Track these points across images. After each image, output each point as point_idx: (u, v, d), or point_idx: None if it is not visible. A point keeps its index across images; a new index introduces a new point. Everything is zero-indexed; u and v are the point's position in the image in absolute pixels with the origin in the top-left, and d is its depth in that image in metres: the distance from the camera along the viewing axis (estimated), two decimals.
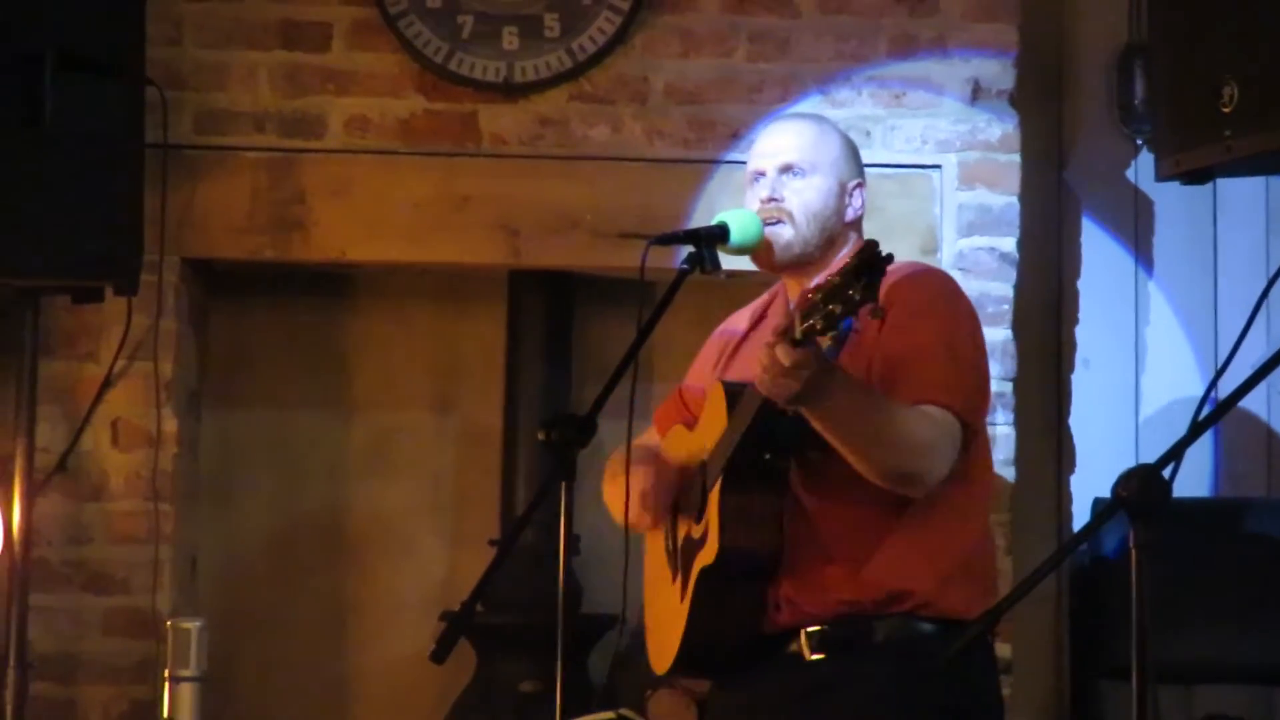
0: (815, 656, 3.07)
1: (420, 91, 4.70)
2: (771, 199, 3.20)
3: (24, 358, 4.42)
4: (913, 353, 3.05)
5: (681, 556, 3.18)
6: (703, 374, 3.40)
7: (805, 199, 3.20)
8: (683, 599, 3.12)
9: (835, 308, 2.67)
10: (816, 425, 2.94)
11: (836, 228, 3.23)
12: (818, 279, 3.15)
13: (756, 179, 3.25)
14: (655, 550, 3.31)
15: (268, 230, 4.67)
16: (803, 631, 3.07)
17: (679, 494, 3.24)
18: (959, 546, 3.12)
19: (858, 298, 2.64)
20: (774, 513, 3.04)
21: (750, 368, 3.20)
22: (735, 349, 3.34)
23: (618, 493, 3.24)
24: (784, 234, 3.19)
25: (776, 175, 3.22)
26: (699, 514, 3.12)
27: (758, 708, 3.13)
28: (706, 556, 3.05)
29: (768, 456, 3.03)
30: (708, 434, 3.14)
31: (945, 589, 3.07)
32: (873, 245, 2.66)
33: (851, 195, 3.26)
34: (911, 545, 3.07)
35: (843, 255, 3.23)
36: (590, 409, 3.01)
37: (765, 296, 3.39)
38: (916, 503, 3.05)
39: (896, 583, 3.06)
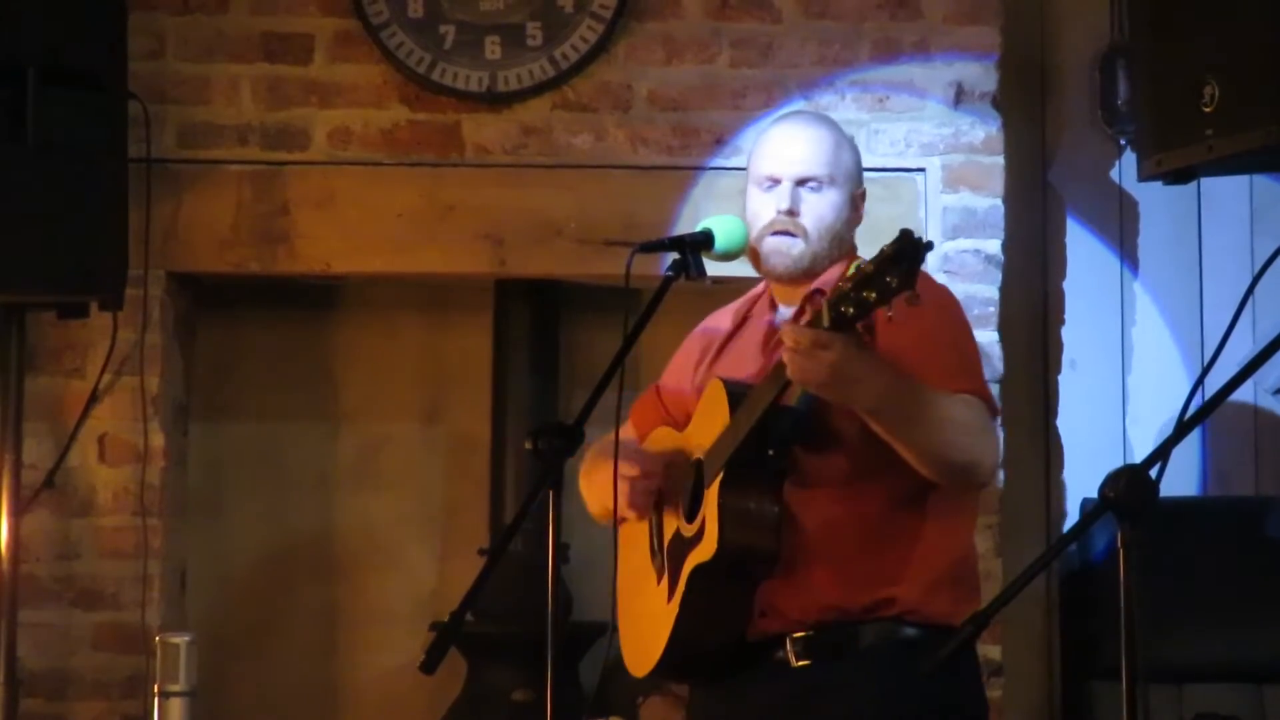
0: (801, 663, 3.04)
1: (403, 102, 4.70)
2: (789, 211, 3.15)
3: (9, 374, 4.42)
4: (927, 342, 2.98)
5: (669, 555, 3.15)
6: (683, 373, 3.36)
7: (820, 213, 3.15)
8: (670, 599, 3.10)
9: (870, 294, 2.63)
10: (870, 421, 2.89)
11: (848, 238, 3.21)
12: (824, 276, 3.14)
13: (770, 185, 3.17)
14: (634, 550, 3.27)
15: (252, 243, 4.66)
16: (788, 638, 3.04)
17: (667, 491, 3.20)
18: (947, 554, 3.09)
19: (895, 285, 2.60)
20: (774, 512, 3.01)
21: (738, 366, 3.19)
22: (720, 348, 3.31)
23: (593, 486, 3.24)
24: (795, 248, 3.15)
25: (793, 187, 3.15)
26: (692, 512, 3.10)
27: (743, 715, 3.10)
28: (703, 553, 3.02)
29: (770, 454, 3.00)
30: (703, 431, 3.11)
31: (932, 595, 3.04)
32: (909, 232, 2.62)
33: (859, 204, 3.23)
34: (900, 552, 3.05)
35: (842, 263, 3.20)
36: (577, 417, 3.00)
37: (748, 295, 3.36)
38: (906, 509, 3.04)
39: (884, 589, 3.03)
